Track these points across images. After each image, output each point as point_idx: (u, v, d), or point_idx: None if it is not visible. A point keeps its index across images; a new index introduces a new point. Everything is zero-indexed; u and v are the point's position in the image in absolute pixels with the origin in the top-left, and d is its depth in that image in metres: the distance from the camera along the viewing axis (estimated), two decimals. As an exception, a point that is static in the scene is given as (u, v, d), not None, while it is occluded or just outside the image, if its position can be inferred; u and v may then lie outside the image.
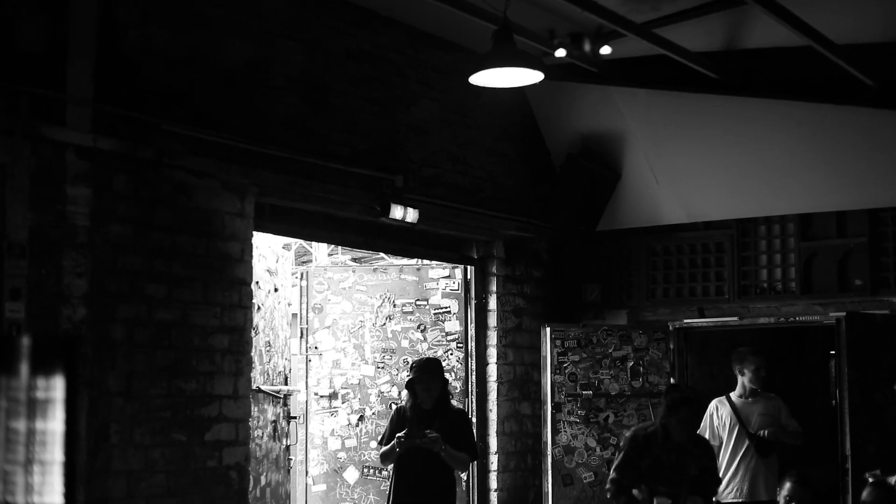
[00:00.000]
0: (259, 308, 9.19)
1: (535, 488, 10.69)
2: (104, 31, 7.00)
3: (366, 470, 10.41)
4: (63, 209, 6.65)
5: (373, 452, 10.20)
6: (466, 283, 10.58)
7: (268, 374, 9.60)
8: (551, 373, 10.58)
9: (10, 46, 6.51)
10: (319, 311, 10.64)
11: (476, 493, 10.26)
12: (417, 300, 10.59)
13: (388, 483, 8.34)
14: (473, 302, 10.53)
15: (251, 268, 7.98)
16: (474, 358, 10.45)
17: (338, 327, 10.63)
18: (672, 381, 10.50)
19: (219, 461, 7.59)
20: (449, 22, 9.09)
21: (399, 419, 8.11)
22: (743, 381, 9.39)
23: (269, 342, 9.63)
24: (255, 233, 8.08)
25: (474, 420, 10.08)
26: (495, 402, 10.40)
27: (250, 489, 8.24)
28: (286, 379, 10.22)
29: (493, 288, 10.55)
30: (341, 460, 10.47)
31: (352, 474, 10.44)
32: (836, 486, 9.52)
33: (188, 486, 7.36)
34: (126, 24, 7.19)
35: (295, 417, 10.49)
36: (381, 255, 11.39)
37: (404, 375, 8.38)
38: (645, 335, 10.77)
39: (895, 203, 9.89)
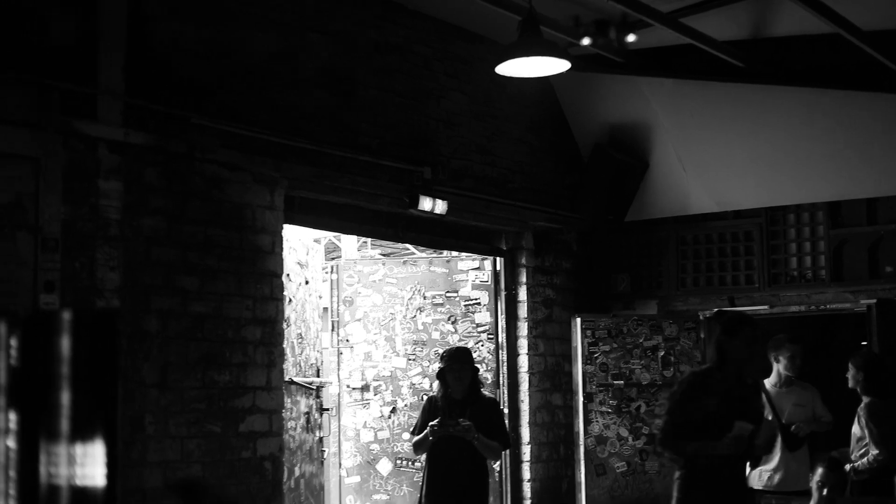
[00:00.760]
0: (290, 300, 9.25)
1: (567, 478, 10.72)
2: (134, 25, 7.07)
3: (399, 461, 10.46)
4: (96, 203, 6.72)
5: (405, 444, 10.25)
6: (496, 274, 10.61)
7: (300, 366, 9.67)
8: (582, 363, 10.60)
9: (42, 41, 6.59)
10: (350, 304, 10.69)
11: (509, 484, 10.30)
12: (447, 292, 10.63)
13: (422, 475, 8.39)
14: (503, 293, 10.57)
15: (282, 260, 8.05)
16: (505, 349, 10.48)
17: (368, 320, 10.67)
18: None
19: (253, 452, 7.66)
20: (475, 13, 9.13)
21: (431, 409, 8.14)
22: (778, 368, 9.35)
23: (300, 334, 9.69)
24: (285, 225, 8.15)
25: (506, 411, 10.11)
26: (527, 393, 10.43)
27: (284, 480, 8.31)
28: (318, 371, 10.29)
29: (523, 279, 10.58)
30: (374, 452, 10.52)
31: (385, 466, 10.49)
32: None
33: (224, 477, 7.43)
34: (155, 18, 7.27)
35: (328, 409, 10.55)
36: (410, 248, 11.42)
37: (436, 367, 8.41)
38: (675, 325, 10.77)
39: (926, 189, 9.88)
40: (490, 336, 10.53)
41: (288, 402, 8.90)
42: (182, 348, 7.23)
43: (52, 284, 6.40)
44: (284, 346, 8.23)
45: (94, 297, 6.66)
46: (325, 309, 10.79)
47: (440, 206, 9.13)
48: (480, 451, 7.98)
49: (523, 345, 10.50)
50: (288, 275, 8.93)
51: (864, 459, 8.47)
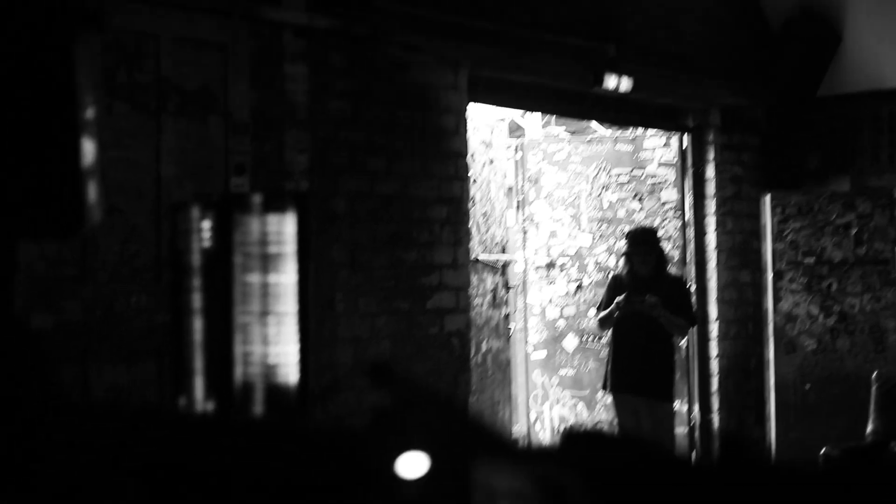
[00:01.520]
0: (475, 180, 9.32)
1: (756, 356, 10.63)
2: None
3: (584, 337, 10.53)
4: (282, 87, 6.85)
5: (591, 321, 10.31)
6: (682, 152, 10.47)
7: (485, 245, 9.77)
8: (772, 241, 10.43)
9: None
10: (535, 183, 10.71)
11: (697, 361, 10.28)
12: (633, 169, 10.55)
13: (607, 351, 8.44)
14: (690, 171, 10.43)
15: (466, 140, 8.10)
16: (692, 227, 10.38)
17: (553, 198, 10.68)
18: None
19: (440, 328, 7.81)
20: None
21: (616, 286, 8.17)
22: None
23: (485, 213, 9.78)
24: (469, 105, 8.18)
25: (693, 288, 10.05)
26: (714, 271, 10.34)
27: (472, 356, 8.47)
28: (504, 249, 10.38)
29: (710, 156, 10.42)
30: (560, 328, 10.60)
31: (570, 342, 10.58)
32: None
33: (413, 353, 7.61)
34: None
35: (513, 287, 10.66)
36: (593, 127, 11.33)
37: (622, 245, 8.41)
38: (869, 201, 10.48)
39: None
40: (677, 213, 10.43)
41: (474, 279, 9.02)
42: (370, 228, 7.38)
43: (243, 167, 6.57)
44: (470, 224, 8.32)
45: (284, 180, 6.83)
46: (510, 188, 10.84)
47: (625, 84, 9.02)
48: (666, 327, 7.99)
49: (711, 223, 10.38)
50: (472, 154, 8.99)
51: None
